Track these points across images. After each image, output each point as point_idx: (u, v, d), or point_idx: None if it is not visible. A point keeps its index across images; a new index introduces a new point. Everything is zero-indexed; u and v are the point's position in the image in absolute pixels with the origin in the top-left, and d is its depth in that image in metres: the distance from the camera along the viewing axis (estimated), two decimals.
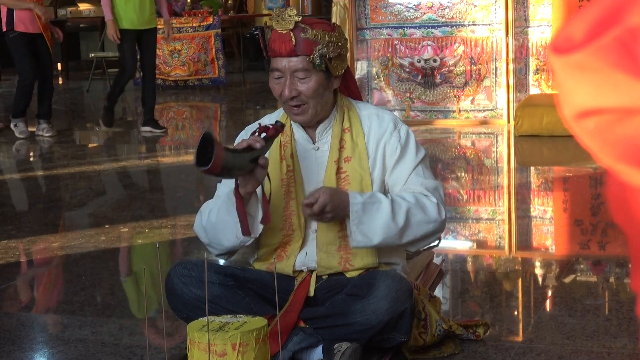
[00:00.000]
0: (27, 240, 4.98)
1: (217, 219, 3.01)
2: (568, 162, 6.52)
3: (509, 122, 8.19)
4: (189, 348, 2.58)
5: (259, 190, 2.95)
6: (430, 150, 7.46)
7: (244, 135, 3.12)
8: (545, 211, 5.50)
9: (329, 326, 2.95)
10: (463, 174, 6.49)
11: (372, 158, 3.05)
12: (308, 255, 3.08)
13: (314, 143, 3.10)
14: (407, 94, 8.58)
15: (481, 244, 4.78)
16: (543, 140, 7.36)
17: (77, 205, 6.16)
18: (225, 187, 3.09)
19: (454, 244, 4.74)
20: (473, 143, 7.80)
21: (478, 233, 4.97)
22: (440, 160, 7.03)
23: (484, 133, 8.04)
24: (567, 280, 3.99)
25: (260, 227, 2.98)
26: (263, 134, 2.90)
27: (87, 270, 4.34)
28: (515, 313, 3.71)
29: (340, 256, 3.03)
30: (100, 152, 8.37)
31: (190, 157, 7.65)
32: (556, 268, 4.22)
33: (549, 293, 3.86)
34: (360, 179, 3.02)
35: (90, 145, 8.98)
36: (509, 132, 7.94)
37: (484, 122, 8.34)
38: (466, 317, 3.53)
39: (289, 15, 2.93)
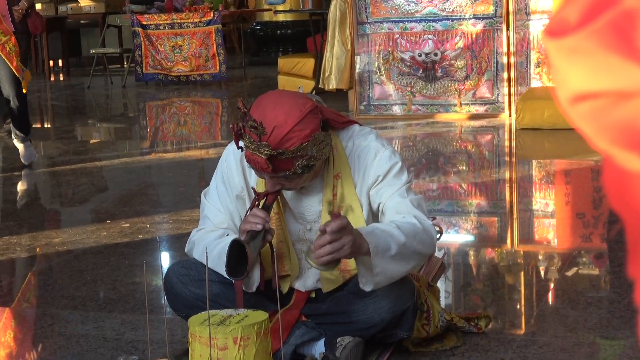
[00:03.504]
0: (29, 236, 4.98)
1: (214, 264, 2.88)
2: (570, 155, 6.52)
3: (510, 115, 8.19)
4: (190, 342, 2.58)
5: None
6: (431, 144, 7.46)
7: (234, 167, 2.99)
8: (547, 204, 5.50)
9: (330, 323, 2.95)
10: (464, 168, 6.49)
11: (363, 204, 2.94)
12: (307, 285, 3.05)
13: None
14: (408, 88, 8.57)
15: (483, 238, 4.78)
16: (544, 133, 7.35)
17: (79, 201, 6.16)
18: (215, 210, 3.03)
19: (455, 237, 4.74)
20: (474, 137, 7.80)
21: (480, 226, 4.97)
22: (441, 154, 7.02)
23: (485, 127, 8.04)
24: (569, 273, 3.98)
25: (257, 283, 2.90)
26: (263, 200, 2.84)
27: (88, 266, 4.35)
28: (518, 306, 3.71)
29: (340, 274, 2.99)
30: (101, 148, 8.37)
31: (192, 153, 7.65)
32: (558, 261, 4.22)
33: (551, 286, 3.85)
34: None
35: (91, 141, 8.99)
36: (510, 125, 7.93)
37: (485, 116, 8.33)
38: (468, 310, 3.52)
39: (263, 149, 2.67)
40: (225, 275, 2.81)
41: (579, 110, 0.84)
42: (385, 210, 2.90)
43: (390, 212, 2.89)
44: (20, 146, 6.91)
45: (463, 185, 5.96)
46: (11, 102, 6.71)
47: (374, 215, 2.97)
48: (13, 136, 6.95)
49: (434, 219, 3.48)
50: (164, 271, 3.14)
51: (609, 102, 0.81)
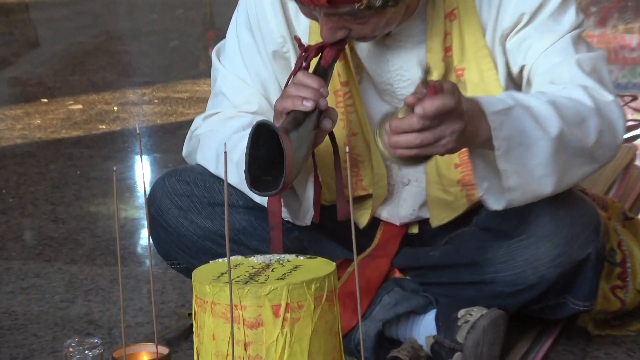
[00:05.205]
0: None
1: (237, 180, 2.86)
2: None
3: None
4: (195, 313, 2.55)
5: None
6: None
7: (267, 2, 2.98)
8: None
9: (447, 283, 2.95)
10: None
11: (499, 64, 2.91)
12: (402, 213, 3.05)
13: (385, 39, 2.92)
14: None
15: None
16: None
17: None
18: (237, 80, 3.04)
19: None
20: None
21: None
22: None
23: None
24: None
25: (311, 211, 2.88)
26: (317, 59, 2.77)
27: (10, 178, 4.41)
28: None
29: (462, 193, 2.96)
30: None
31: None
32: None
33: None
34: None
35: None
36: None
37: None
38: None
39: None
40: (247, 190, 2.75)
41: None
42: (533, 76, 2.86)
43: (540, 80, 2.84)
44: None
45: None
46: None
47: (513, 85, 2.92)
48: None
49: (634, 98, 3.46)
50: (149, 189, 3.14)
51: None
